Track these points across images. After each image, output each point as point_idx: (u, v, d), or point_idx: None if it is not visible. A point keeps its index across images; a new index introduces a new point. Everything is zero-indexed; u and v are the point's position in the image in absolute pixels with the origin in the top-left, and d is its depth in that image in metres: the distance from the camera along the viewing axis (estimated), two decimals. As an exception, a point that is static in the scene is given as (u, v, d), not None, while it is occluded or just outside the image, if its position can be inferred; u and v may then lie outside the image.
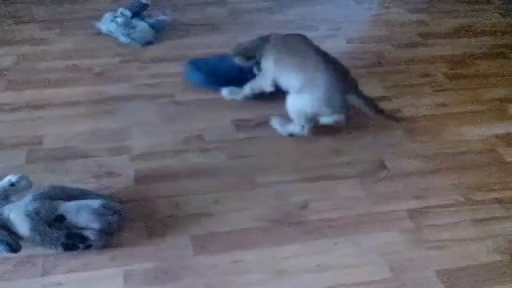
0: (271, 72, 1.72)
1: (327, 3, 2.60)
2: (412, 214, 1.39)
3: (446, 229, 1.35)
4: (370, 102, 1.63)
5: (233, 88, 1.84)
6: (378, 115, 1.65)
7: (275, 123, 1.71)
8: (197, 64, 1.90)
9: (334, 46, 2.12)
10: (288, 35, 1.78)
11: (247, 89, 1.81)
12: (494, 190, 1.48)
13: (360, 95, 1.62)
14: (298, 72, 1.64)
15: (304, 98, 1.61)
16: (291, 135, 1.68)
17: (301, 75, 1.62)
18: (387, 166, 1.56)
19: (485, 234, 1.34)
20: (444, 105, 1.86)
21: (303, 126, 1.65)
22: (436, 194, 1.46)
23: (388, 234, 1.33)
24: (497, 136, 1.70)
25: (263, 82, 1.77)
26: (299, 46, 1.71)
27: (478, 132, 1.72)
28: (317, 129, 1.69)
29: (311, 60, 1.63)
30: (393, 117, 1.71)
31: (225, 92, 1.85)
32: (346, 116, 1.63)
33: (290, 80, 1.67)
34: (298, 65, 1.65)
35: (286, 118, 1.68)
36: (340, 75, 1.62)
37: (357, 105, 1.62)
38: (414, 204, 1.42)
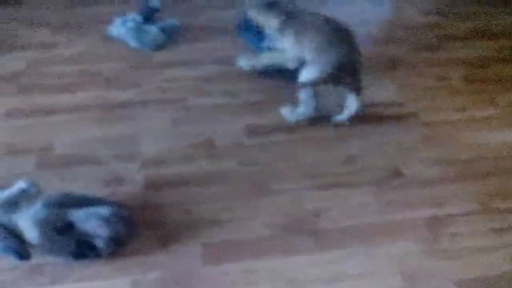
0: (291, 48, 1.75)
1: (342, 6, 2.59)
2: (429, 222, 1.37)
3: (464, 238, 1.33)
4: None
5: (249, 56, 1.91)
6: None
7: (285, 110, 1.74)
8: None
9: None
10: (308, 15, 1.80)
11: (265, 59, 1.87)
12: (513, 198, 1.46)
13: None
14: (313, 46, 1.67)
15: (315, 67, 1.65)
16: (298, 119, 1.71)
17: (316, 49, 1.66)
18: (402, 172, 1.54)
19: (504, 243, 1.31)
20: (461, 109, 1.84)
21: (311, 106, 1.68)
22: (454, 202, 1.44)
23: (403, 243, 1.32)
24: (516, 142, 1.69)
25: (284, 57, 1.80)
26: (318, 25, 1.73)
27: (496, 138, 1.70)
28: (330, 134, 1.69)
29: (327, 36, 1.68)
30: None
31: (241, 61, 1.91)
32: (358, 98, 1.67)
33: (307, 54, 1.70)
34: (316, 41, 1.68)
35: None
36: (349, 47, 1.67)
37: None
38: (430, 212, 1.40)
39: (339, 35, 1.69)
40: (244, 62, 1.91)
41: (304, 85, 1.68)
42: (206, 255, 1.27)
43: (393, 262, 1.26)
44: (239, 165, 1.57)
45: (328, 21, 1.74)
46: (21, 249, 1.17)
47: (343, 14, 2.45)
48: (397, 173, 1.54)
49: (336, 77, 1.64)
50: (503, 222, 1.38)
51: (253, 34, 2.02)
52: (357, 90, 1.66)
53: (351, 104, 1.69)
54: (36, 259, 1.21)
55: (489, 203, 1.44)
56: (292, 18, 1.76)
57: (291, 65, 1.78)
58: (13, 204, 1.26)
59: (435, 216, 1.39)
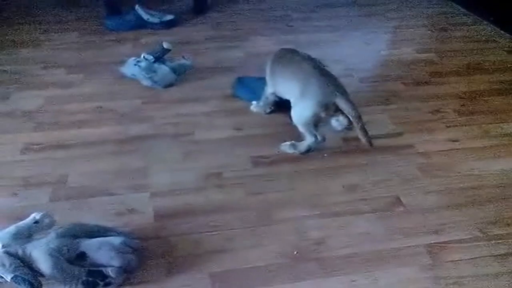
0: (269, 84, 1.84)
1: (340, 45, 2.59)
2: (431, 249, 1.31)
3: (466, 265, 1.27)
4: (356, 110, 1.59)
5: (259, 102, 1.95)
6: (357, 126, 1.59)
7: (286, 147, 1.72)
8: (244, 82, 2.05)
9: (348, 85, 2.08)
10: (280, 50, 1.85)
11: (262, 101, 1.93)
12: (512, 225, 1.41)
13: (348, 98, 1.61)
14: (292, 80, 1.68)
15: (303, 104, 1.63)
16: (307, 150, 1.69)
17: (296, 83, 1.66)
18: (403, 201, 1.49)
19: (506, 269, 1.25)
20: (457, 140, 1.80)
21: (315, 135, 1.66)
22: (454, 229, 1.38)
23: (406, 270, 1.26)
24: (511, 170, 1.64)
25: (266, 93, 1.89)
26: (291, 57, 1.76)
27: (492, 167, 1.65)
28: (331, 165, 1.65)
29: (303, 69, 1.67)
30: (368, 138, 1.60)
31: (253, 106, 1.96)
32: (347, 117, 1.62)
33: (287, 89, 1.73)
34: (292, 75, 1.69)
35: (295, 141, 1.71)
36: (330, 80, 1.64)
37: (344, 108, 1.59)
38: (432, 239, 1.35)
39: (318, 71, 1.67)
40: (257, 109, 1.96)
41: (298, 124, 1.67)
42: (215, 284, 1.22)
43: (397, 289, 1.20)
44: (246, 195, 1.53)
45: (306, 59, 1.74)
46: (33, 279, 1.12)
47: (341, 53, 2.47)
48: (398, 202, 1.50)
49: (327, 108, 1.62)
50: (505, 248, 1.32)
51: (248, 90, 2.04)
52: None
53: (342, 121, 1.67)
54: (47, 288, 1.16)
55: (489, 230, 1.38)
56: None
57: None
58: (26, 234, 1.22)
59: (437, 244, 1.34)
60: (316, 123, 1.65)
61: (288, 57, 1.77)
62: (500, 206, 1.48)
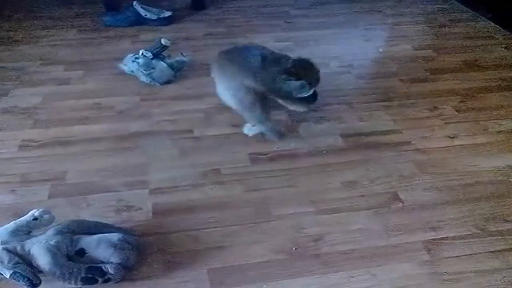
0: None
1: (339, 43, 2.59)
2: (428, 245, 1.32)
3: (463, 260, 1.27)
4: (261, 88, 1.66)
5: None
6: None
7: (245, 129, 1.79)
8: None
9: (346, 82, 2.10)
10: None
11: None
12: (509, 221, 1.41)
13: (256, 79, 1.66)
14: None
15: (231, 92, 1.71)
16: (276, 135, 1.76)
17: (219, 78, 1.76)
18: (400, 198, 1.50)
19: (503, 265, 1.26)
20: (454, 137, 1.80)
21: (265, 119, 1.72)
22: (451, 225, 1.39)
23: (404, 266, 1.26)
24: (509, 167, 1.64)
25: None
26: (226, 54, 1.82)
27: (489, 163, 1.66)
28: (329, 162, 1.65)
29: (225, 63, 1.76)
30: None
31: None
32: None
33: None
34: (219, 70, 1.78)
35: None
36: (242, 66, 1.70)
37: (253, 87, 1.65)
38: (429, 235, 1.35)
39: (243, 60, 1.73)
40: None
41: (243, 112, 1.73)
42: (213, 280, 1.22)
43: (396, 285, 1.21)
44: (244, 191, 1.53)
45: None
46: (32, 275, 1.12)
47: (340, 51, 2.47)
48: (396, 198, 1.50)
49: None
50: (502, 244, 1.33)
51: None
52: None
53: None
54: (46, 285, 1.16)
55: (487, 226, 1.39)
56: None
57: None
58: (25, 231, 1.23)
59: (434, 240, 1.34)
60: (259, 106, 1.69)
61: (224, 55, 1.83)
62: (498, 202, 1.48)
